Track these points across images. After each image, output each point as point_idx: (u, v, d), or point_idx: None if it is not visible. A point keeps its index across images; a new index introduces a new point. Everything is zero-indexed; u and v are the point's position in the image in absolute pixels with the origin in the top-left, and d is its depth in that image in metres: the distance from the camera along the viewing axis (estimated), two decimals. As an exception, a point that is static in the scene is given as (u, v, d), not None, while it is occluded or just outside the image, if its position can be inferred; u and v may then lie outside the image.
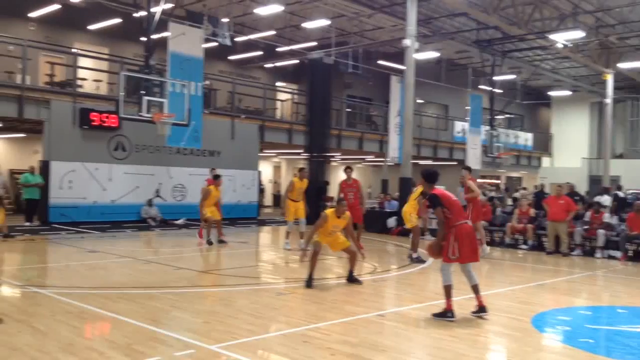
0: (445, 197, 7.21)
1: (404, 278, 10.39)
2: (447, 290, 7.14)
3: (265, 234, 18.53)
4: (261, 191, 24.44)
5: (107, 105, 17.80)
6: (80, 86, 18.53)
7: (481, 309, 7.24)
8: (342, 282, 9.33)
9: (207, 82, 21.97)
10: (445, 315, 7.03)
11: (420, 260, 11.82)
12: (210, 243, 13.66)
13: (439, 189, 7.42)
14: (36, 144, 21.44)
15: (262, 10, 20.89)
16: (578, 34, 20.47)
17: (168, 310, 7.17)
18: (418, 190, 11.77)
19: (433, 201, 7.16)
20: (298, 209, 13.32)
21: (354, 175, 13.17)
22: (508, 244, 15.46)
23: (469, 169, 13.60)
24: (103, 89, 20.44)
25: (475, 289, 7.29)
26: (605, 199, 17.86)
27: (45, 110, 16.91)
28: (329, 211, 9.08)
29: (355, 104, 29.01)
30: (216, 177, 14.31)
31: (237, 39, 24.64)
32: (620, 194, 18.40)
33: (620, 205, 17.21)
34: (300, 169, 14.23)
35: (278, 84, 30.35)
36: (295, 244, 13.29)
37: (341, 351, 5.58)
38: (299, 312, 7.36)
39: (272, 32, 25.35)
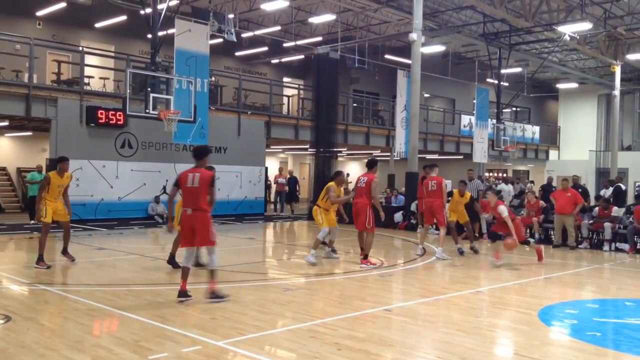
0: (181, 178, 7.42)
1: (411, 273, 10.38)
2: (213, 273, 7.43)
3: (271, 230, 18.56)
4: (267, 187, 24.43)
5: (114, 103, 17.85)
6: (87, 84, 18.58)
7: (182, 294, 7.32)
8: (348, 277, 9.33)
9: (213, 79, 22.00)
10: (218, 296, 7.34)
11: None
12: (461, 252, 12.35)
13: (189, 170, 7.51)
14: (44, 142, 21.55)
15: (267, 6, 20.89)
16: (586, 26, 20.33)
17: (175, 306, 7.19)
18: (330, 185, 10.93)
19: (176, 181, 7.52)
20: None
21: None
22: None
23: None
24: (109, 87, 20.49)
25: (184, 272, 7.34)
26: (610, 192, 17.75)
27: (52, 109, 16.98)
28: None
29: (361, 99, 28.95)
30: (372, 163, 11.21)
31: (242, 35, 24.68)
32: (622, 186, 18.28)
33: (621, 198, 17.12)
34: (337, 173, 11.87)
35: (284, 79, 30.33)
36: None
37: (348, 346, 5.58)
38: (306, 308, 7.37)
39: (278, 28, 25.35)
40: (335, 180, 11.03)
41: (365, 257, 10.56)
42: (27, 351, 5.27)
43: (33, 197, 16.71)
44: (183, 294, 7.31)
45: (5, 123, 18.97)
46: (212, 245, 7.40)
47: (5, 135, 22.90)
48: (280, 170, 25.31)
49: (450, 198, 13.14)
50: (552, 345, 6.08)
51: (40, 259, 9.58)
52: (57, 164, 10.00)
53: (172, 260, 9.65)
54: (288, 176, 24.57)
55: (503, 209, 11.11)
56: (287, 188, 23.85)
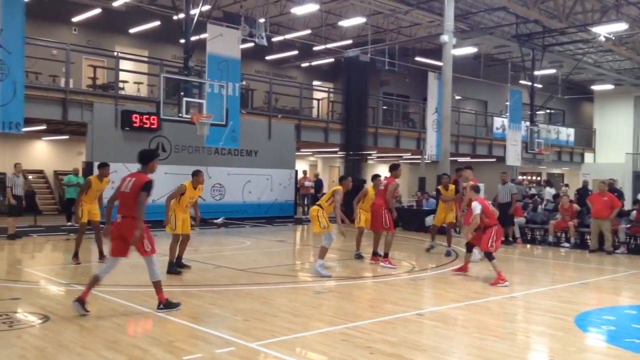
0: (121, 181, 7.11)
1: (442, 277, 10.28)
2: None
3: (301, 233, 18.59)
4: (297, 190, 24.49)
5: (148, 107, 18.11)
6: (122, 88, 18.91)
7: (82, 301, 6.64)
8: (379, 281, 9.30)
9: (244, 83, 22.16)
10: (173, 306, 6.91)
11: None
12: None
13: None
14: (80, 146, 21.97)
15: (298, 10, 21.02)
16: (621, 26, 19.92)
17: (208, 308, 7.27)
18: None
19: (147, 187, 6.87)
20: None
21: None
22: (550, 242, 15.15)
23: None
24: (143, 91, 20.81)
25: (93, 280, 6.81)
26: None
27: (88, 113, 17.31)
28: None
29: (391, 102, 28.85)
30: (393, 167, 11.52)
31: (273, 39, 24.81)
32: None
33: None
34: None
35: (314, 82, 30.41)
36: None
37: (381, 350, 5.57)
38: (338, 311, 7.36)
39: (308, 31, 25.42)
40: (342, 184, 10.68)
41: (386, 255, 10.79)
42: (65, 350, 5.39)
43: (70, 199, 17.12)
44: (82, 301, 6.63)
45: (43, 127, 19.40)
46: (148, 256, 6.88)
47: (43, 139, 23.43)
48: (305, 173, 25.26)
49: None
50: (589, 352, 5.97)
51: (75, 256, 10.34)
52: (99, 169, 10.72)
53: (176, 264, 9.80)
54: (314, 179, 24.58)
55: (476, 205, 9.55)
56: (313, 190, 23.84)
